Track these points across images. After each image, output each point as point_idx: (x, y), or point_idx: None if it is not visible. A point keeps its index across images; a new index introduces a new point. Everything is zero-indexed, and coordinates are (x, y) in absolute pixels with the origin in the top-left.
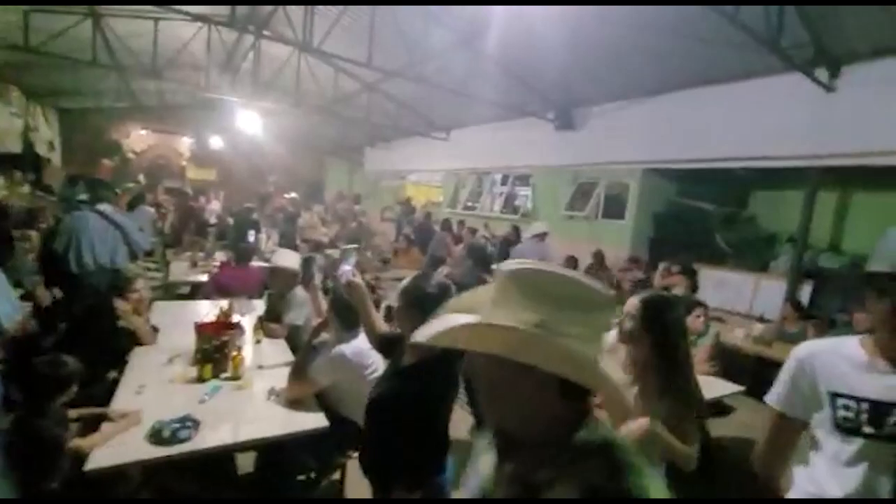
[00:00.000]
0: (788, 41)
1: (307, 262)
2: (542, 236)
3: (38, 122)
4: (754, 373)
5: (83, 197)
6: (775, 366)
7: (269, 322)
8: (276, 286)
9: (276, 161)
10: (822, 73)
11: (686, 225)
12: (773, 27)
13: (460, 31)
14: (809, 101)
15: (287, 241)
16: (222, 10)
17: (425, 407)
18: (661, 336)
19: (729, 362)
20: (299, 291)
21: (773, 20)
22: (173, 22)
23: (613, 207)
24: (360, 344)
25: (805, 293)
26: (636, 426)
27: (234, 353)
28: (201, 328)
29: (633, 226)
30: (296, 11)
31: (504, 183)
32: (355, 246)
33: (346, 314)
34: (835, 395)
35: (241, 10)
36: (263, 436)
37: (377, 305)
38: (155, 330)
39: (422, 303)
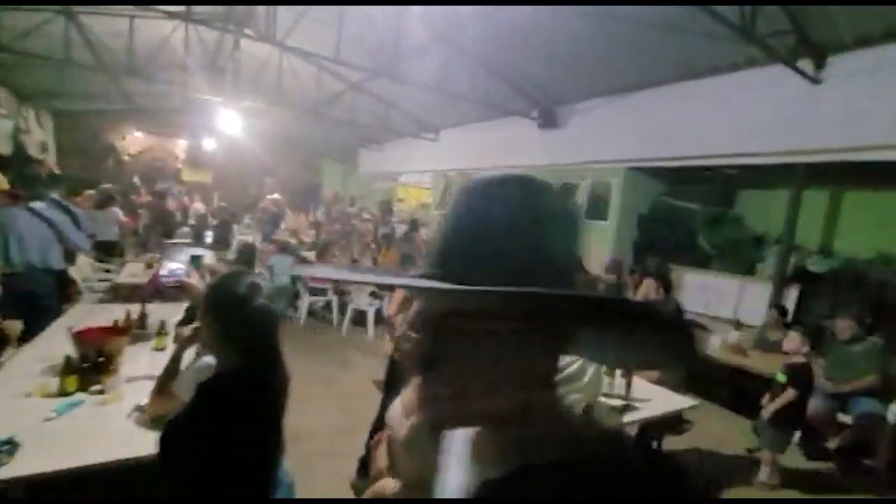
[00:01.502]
0: (768, 29)
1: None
2: None
3: (30, 123)
4: (729, 384)
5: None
6: (751, 377)
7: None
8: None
9: (271, 164)
10: (806, 65)
11: (671, 226)
12: (748, 15)
13: (438, 28)
14: (795, 94)
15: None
16: (200, 8)
17: (228, 427)
18: None
19: (702, 373)
20: None
21: (746, 8)
22: (151, 21)
23: (596, 209)
24: None
25: (792, 298)
26: None
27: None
28: (79, 335)
29: (616, 228)
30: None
31: None
32: (201, 253)
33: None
34: None
35: (219, 7)
36: (104, 460)
37: None
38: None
39: (224, 306)
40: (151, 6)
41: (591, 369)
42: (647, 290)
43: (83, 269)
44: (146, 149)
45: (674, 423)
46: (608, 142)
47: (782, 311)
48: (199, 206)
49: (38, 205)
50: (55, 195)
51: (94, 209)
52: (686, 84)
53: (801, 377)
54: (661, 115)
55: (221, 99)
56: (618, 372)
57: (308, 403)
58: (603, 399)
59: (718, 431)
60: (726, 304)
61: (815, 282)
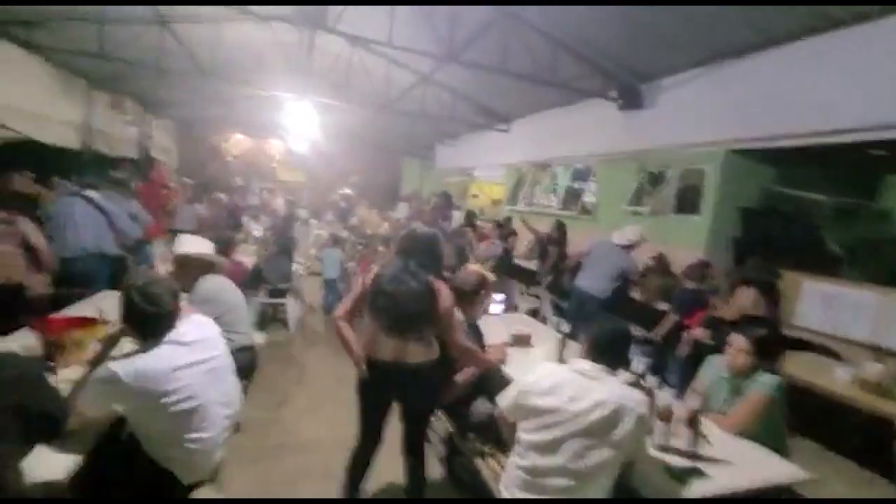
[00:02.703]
0: None
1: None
2: (631, 246)
3: (153, 130)
4: (864, 434)
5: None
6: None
7: None
8: (180, 279)
9: (356, 163)
10: None
11: (785, 221)
12: None
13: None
14: None
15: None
16: (268, 9)
17: None
18: None
19: (823, 417)
20: (207, 284)
21: None
22: (232, 25)
23: (687, 201)
24: (154, 363)
25: None
26: None
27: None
28: (37, 323)
29: (711, 223)
30: None
31: (573, 176)
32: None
33: (142, 321)
34: None
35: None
36: None
37: None
38: None
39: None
40: (233, 5)
41: (629, 414)
42: (744, 300)
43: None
44: (246, 150)
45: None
46: (702, 120)
47: None
48: (279, 203)
49: (93, 194)
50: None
51: (185, 204)
52: (805, 42)
53: None
54: (772, 83)
55: (295, 95)
56: (677, 413)
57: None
58: (656, 454)
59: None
60: (862, 324)
61: None
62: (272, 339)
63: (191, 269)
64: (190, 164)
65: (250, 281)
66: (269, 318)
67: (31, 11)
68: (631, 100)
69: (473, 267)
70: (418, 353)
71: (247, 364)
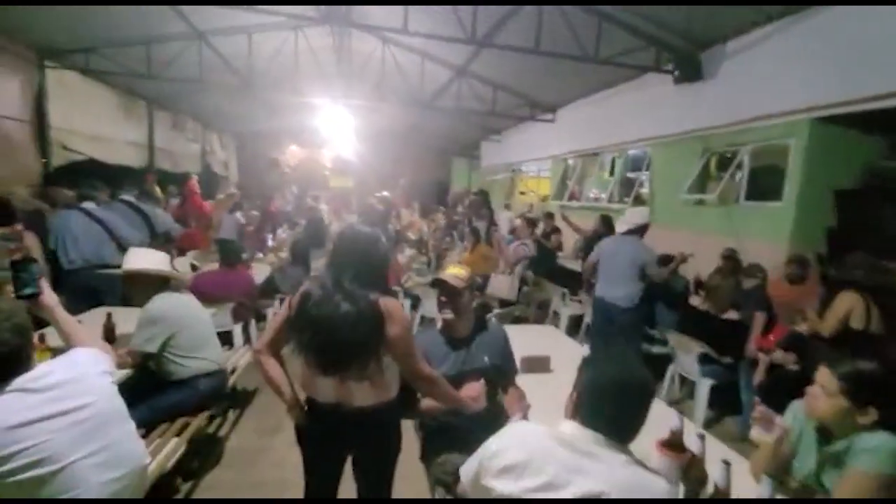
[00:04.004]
0: None
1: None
2: (638, 231)
3: (213, 145)
4: None
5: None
6: None
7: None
8: (133, 296)
9: (405, 165)
10: None
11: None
12: None
13: None
14: None
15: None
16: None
17: None
18: None
19: None
20: (157, 302)
21: None
22: (263, 35)
23: (763, 184)
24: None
25: None
26: None
27: None
28: None
29: (797, 210)
30: None
31: (628, 165)
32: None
33: None
34: None
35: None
36: None
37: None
38: None
39: None
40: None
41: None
42: (847, 307)
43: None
44: (301, 161)
45: None
46: (780, 86)
47: None
48: (322, 208)
49: (89, 205)
50: (128, 197)
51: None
52: None
53: None
54: (873, 29)
55: (330, 100)
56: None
57: None
58: None
59: None
60: None
61: None
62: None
63: (141, 285)
64: (250, 176)
65: (262, 290)
66: None
67: (87, 38)
68: (688, 71)
69: (452, 270)
70: (365, 393)
71: (211, 392)
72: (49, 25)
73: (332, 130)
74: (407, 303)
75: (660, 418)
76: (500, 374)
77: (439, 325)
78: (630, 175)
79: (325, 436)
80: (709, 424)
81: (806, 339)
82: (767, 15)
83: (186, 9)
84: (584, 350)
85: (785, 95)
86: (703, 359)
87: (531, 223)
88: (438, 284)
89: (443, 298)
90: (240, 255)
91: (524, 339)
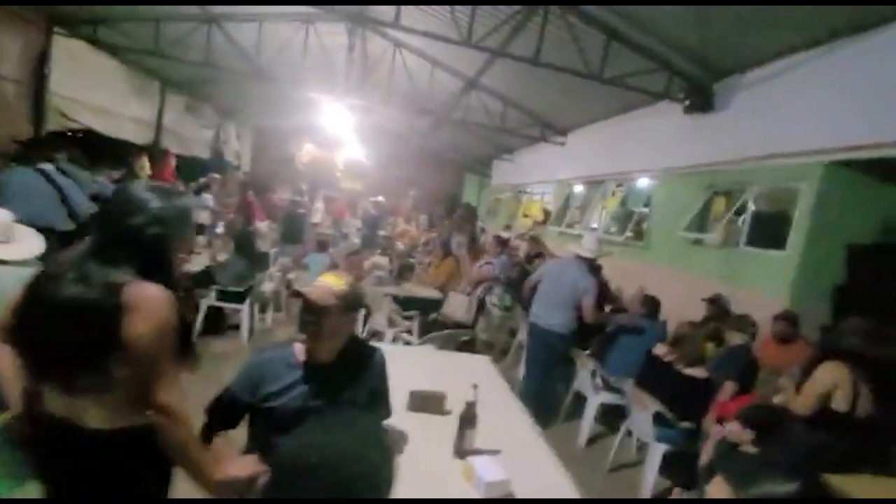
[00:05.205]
0: None
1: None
2: (588, 261)
3: (228, 135)
4: None
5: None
6: None
7: None
8: None
9: (420, 176)
10: None
11: None
12: None
13: None
14: None
15: (367, 245)
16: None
17: None
18: None
19: None
20: None
21: None
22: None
23: (767, 229)
24: None
25: None
26: None
27: None
28: None
29: (802, 261)
30: None
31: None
32: None
33: None
34: None
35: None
36: None
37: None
38: None
39: None
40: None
41: None
42: (831, 381)
43: None
44: (315, 159)
45: None
46: (796, 123)
47: None
48: (318, 207)
49: (47, 167)
50: (62, 161)
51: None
52: None
53: None
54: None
55: (333, 98)
56: None
57: None
58: None
59: None
60: None
61: None
62: (217, 348)
63: None
64: (262, 169)
65: (196, 280)
66: (222, 325)
67: (99, 10)
68: (699, 101)
69: (329, 278)
70: (96, 412)
71: None
72: None
73: (336, 129)
74: (361, 312)
75: None
76: (362, 415)
77: (297, 345)
78: (628, 206)
79: (54, 460)
80: (660, 496)
81: (777, 414)
82: (788, 45)
83: None
84: (503, 389)
85: (799, 134)
86: (660, 419)
87: (501, 242)
88: (297, 297)
89: (306, 317)
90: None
91: (446, 369)
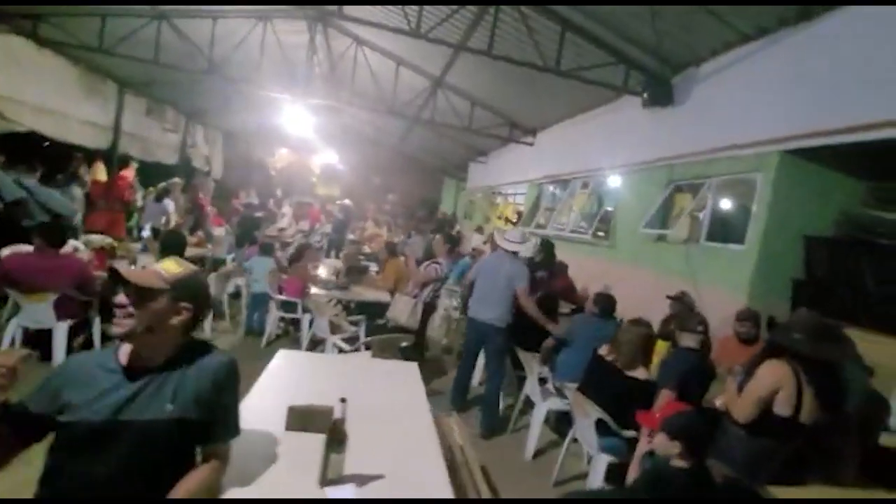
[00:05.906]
0: None
1: None
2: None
3: (196, 139)
4: None
5: None
6: None
7: None
8: None
9: (396, 181)
10: None
11: (874, 258)
12: None
13: None
14: None
15: (334, 249)
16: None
17: None
18: None
19: None
20: None
21: None
22: (229, 22)
23: (727, 224)
24: None
25: None
26: None
27: None
28: None
29: (760, 255)
30: None
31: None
32: None
33: None
34: None
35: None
36: None
37: None
38: None
39: None
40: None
41: None
42: (772, 383)
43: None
44: (289, 164)
45: None
46: (752, 113)
47: None
48: (286, 211)
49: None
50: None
51: (154, 201)
52: None
53: None
54: (856, 51)
55: (290, 97)
56: None
57: None
58: None
59: None
60: None
61: None
62: None
63: None
64: (235, 174)
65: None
66: None
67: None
68: (658, 94)
69: (165, 265)
70: None
71: None
72: None
73: (298, 130)
74: (306, 318)
75: None
76: (190, 431)
77: (124, 346)
78: (593, 204)
79: None
80: None
81: (706, 423)
82: (743, 34)
83: None
84: (422, 405)
85: (755, 124)
86: (603, 428)
87: (449, 240)
88: (115, 278)
89: (119, 300)
90: (64, 234)
91: (362, 379)
